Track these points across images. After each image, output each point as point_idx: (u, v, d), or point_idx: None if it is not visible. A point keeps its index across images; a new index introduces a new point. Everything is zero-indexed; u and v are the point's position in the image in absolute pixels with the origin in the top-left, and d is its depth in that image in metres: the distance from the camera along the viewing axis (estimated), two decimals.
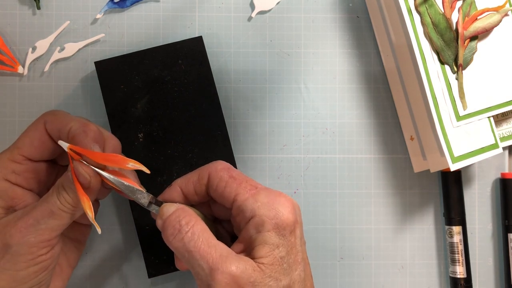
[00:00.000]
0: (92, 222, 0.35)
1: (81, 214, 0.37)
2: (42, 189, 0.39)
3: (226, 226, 0.41)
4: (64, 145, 0.35)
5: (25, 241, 0.34)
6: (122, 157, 0.35)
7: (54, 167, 0.40)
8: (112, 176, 0.36)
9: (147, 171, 0.36)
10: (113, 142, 0.38)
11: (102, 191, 0.39)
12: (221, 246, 0.35)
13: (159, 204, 0.37)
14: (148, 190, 0.38)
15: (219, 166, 0.38)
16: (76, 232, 0.41)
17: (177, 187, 0.38)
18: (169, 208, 0.37)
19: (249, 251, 0.35)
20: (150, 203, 0.37)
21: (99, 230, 0.35)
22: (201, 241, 0.34)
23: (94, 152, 0.35)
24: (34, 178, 0.38)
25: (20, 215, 0.35)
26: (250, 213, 0.35)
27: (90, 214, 0.34)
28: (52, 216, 0.35)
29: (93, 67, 0.45)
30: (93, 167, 0.35)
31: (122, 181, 0.36)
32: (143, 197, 0.37)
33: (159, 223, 0.37)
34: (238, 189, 0.36)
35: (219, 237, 0.38)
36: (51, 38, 0.46)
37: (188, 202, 0.39)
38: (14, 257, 0.34)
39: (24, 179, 0.37)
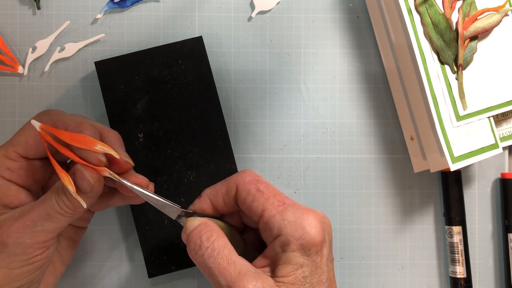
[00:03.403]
0: (75, 196, 0.34)
1: (78, 217, 0.36)
2: (37, 187, 0.39)
3: (257, 233, 0.40)
4: (37, 124, 0.35)
5: (21, 242, 0.34)
6: (90, 139, 0.35)
7: (50, 164, 0.39)
8: (142, 190, 0.36)
9: (117, 156, 0.36)
10: (112, 135, 0.38)
11: (102, 205, 0.39)
12: (241, 262, 0.34)
13: (189, 215, 0.38)
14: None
15: (247, 178, 0.37)
16: (71, 231, 0.40)
17: (206, 198, 0.38)
18: (192, 223, 0.37)
19: (272, 269, 0.35)
20: (179, 216, 0.38)
21: (84, 205, 0.34)
22: (221, 258, 0.34)
23: (63, 131, 0.35)
24: (28, 175, 0.38)
25: (17, 215, 0.35)
26: (277, 231, 0.35)
27: (71, 188, 0.34)
28: (49, 219, 0.35)
29: (93, 67, 0.45)
30: (121, 180, 0.35)
31: (152, 195, 0.37)
32: (172, 211, 0.37)
33: (183, 237, 0.37)
34: (265, 205, 0.36)
35: (246, 249, 0.38)
36: (51, 38, 0.46)
37: (218, 212, 0.39)
38: (9, 256, 0.34)
39: (19, 176, 0.37)
